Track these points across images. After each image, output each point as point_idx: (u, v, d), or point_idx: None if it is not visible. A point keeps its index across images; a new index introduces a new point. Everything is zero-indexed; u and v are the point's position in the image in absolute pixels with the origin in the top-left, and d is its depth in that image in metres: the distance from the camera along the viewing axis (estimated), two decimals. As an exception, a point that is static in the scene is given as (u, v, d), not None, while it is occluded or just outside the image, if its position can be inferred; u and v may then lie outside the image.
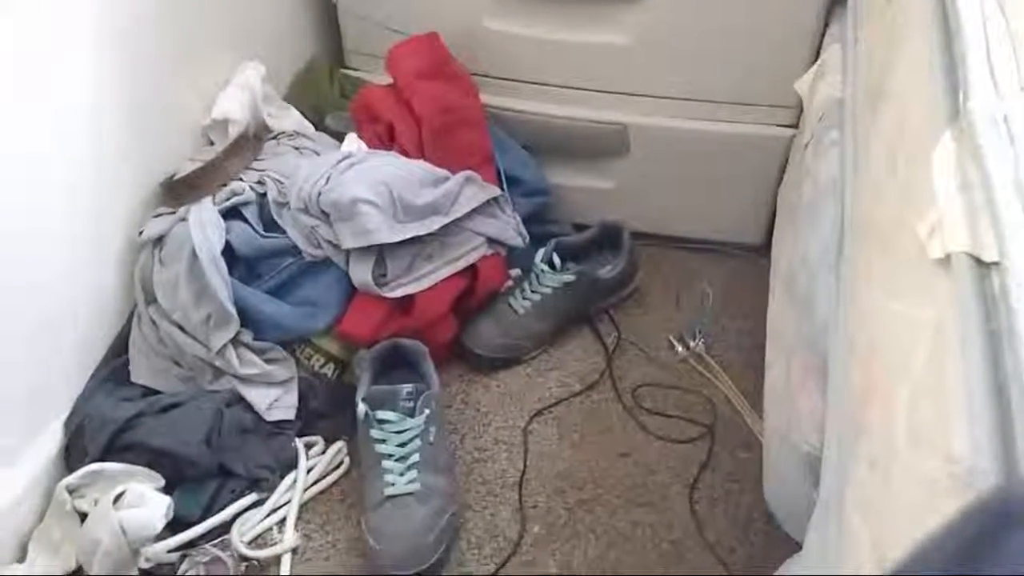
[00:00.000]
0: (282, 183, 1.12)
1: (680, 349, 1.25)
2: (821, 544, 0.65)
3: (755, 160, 1.28)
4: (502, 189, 1.24)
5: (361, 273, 1.10)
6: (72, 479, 0.96)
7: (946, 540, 0.29)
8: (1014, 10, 0.62)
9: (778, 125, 1.25)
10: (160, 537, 0.96)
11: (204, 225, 1.06)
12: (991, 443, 0.43)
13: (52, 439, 1.01)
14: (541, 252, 1.25)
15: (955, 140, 0.56)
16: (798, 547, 0.81)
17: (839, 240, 0.82)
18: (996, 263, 0.49)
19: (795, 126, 1.22)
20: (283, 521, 1.03)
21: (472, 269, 1.19)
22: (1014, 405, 0.44)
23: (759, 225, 1.33)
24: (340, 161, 1.15)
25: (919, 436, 0.50)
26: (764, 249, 1.26)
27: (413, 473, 1.03)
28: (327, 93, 1.34)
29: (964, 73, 0.59)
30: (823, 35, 1.15)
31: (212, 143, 1.18)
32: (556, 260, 1.24)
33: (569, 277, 1.24)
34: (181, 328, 1.06)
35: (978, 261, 0.50)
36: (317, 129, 1.27)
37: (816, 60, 1.14)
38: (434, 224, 1.14)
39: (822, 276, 0.84)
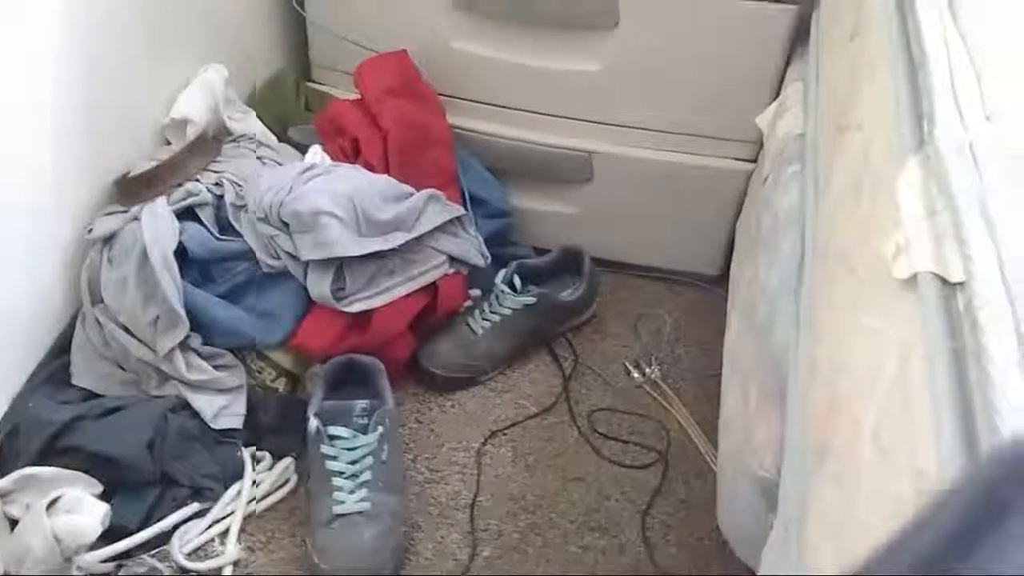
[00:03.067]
0: (240, 185, 1.10)
1: (636, 375, 1.25)
2: (780, 565, 0.65)
3: (715, 192, 1.30)
4: (466, 209, 1.24)
5: (319, 286, 1.08)
6: (3, 483, 0.91)
7: (912, 535, 0.29)
8: (977, 42, 0.64)
9: (738, 159, 1.27)
10: (96, 546, 0.91)
11: (157, 224, 1.03)
12: (957, 458, 0.44)
13: (-17, 442, 0.96)
14: (502, 273, 1.25)
15: (921, 166, 0.57)
16: (750, 572, 0.81)
17: (798, 268, 0.83)
18: (962, 283, 0.50)
19: (755, 160, 1.24)
20: (225, 533, 0.99)
21: (432, 287, 1.18)
22: (979, 421, 0.44)
23: (717, 256, 1.35)
24: (303, 172, 1.13)
25: (886, 453, 0.50)
26: (721, 280, 1.27)
27: (364, 491, 1.00)
28: (292, 105, 1.33)
29: (930, 103, 0.61)
30: (785, 73, 1.18)
31: (169, 143, 1.15)
32: (517, 282, 1.24)
33: (529, 299, 1.23)
34: (127, 330, 1.02)
35: (944, 281, 0.51)
36: (280, 141, 1.26)
37: (777, 96, 1.17)
38: (396, 240, 1.13)
39: (781, 303, 0.85)
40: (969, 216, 0.51)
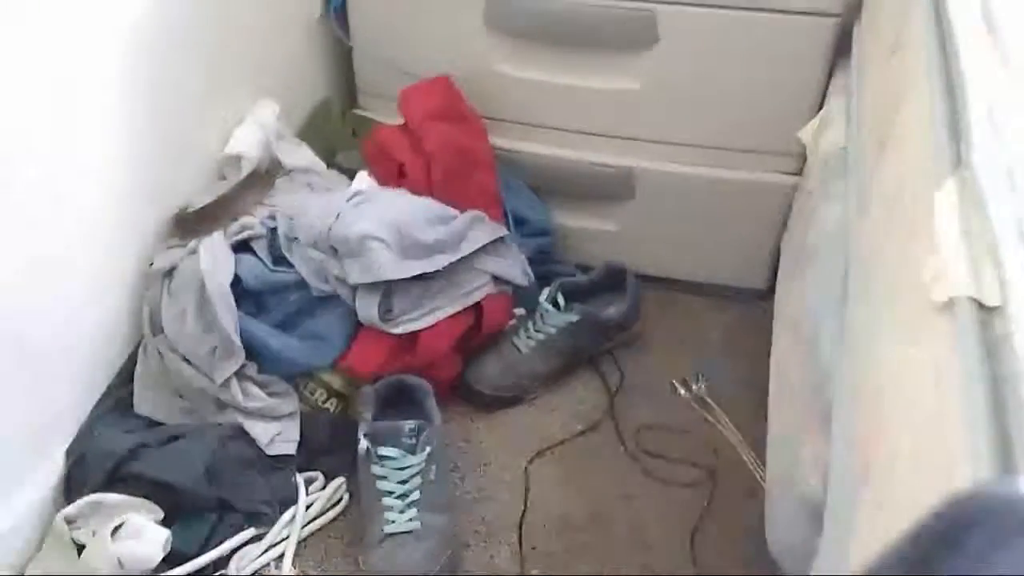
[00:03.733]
0: (292, 218, 1.13)
1: (683, 392, 1.25)
2: (826, 588, 0.64)
3: (759, 206, 1.29)
4: (509, 229, 1.25)
5: (367, 309, 1.10)
6: (71, 509, 0.95)
7: (904, 546, 0.30)
8: (1016, 59, 0.63)
9: (782, 172, 1.26)
10: (158, 570, 0.95)
11: (214, 257, 1.07)
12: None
13: (53, 468, 1.01)
14: (546, 292, 1.26)
15: (958, 187, 0.57)
16: (800, 592, 0.80)
17: (843, 285, 0.82)
18: (999, 307, 0.49)
19: (799, 174, 1.23)
20: (281, 556, 1.02)
21: (477, 307, 1.19)
22: (1017, 449, 0.44)
23: (763, 271, 1.34)
24: (351, 198, 1.16)
25: (923, 480, 0.50)
26: (767, 294, 1.26)
27: (413, 511, 1.02)
28: (339, 132, 1.37)
29: (967, 122, 0.60)
30: (827, 85, 1.17)
31: (225, 178, 1.20)
32: (561, 300, 1.25)
33: (573, 317, 1.24)
34: (187, 360, 1.06)
35: (981, 306, 0.50)
36: (329, 167, 1.29)
37: (820, 110, 1.16)
38: (441, 262, 1.15)
39: (826, 321, 0.84)
40: (1005, 239, 0.51)
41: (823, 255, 0.89)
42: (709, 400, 1.23)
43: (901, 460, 0.53)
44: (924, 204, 0.60)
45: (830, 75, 1.18)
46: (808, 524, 0.81)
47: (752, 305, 1.35)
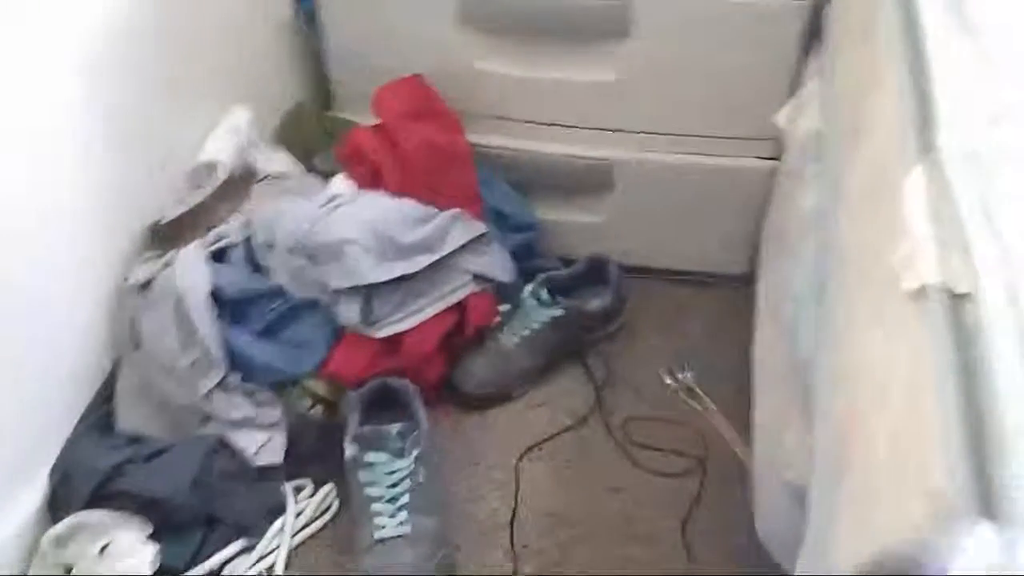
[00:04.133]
0: (269, 226, 1.12)
1: (670, 382, 1.25)
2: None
3: (739, 192, 1.29)
4: (489, 225, 1.25)
5: (348, 313, 1.10)
6: (57, 529, 0.95)
7: None
8: (983, 43, 0.63)
9: (760, 158, 1.26)
10: (147, 586, 0.94)
11: (191, 269, 1.06)
12: (969, 479, 0.43)
13: (37, 489, 1.00)
14: (529, 287, 1.26)
15: (926, 174, 0.57)
16: (789, 578, 0.80)
17: (820, 272, 0.82)
18: (968, 294, 0.49)
19: (777, 158, 1.23)
20: (272, 567, 1.02)
21: (460, 306, 1.19)
22: (989, 437, 0.44)
23: (745, 256, 1.33)
24: (327, 202, 1.15)
25: (899, 470, 0.50)
26: (750, 279, 1.26)
27: (403, 515, 1.02)
28: (314, 135, 1.35)
29: (934, 107, 0.60)
30: (802, 69, 1.16)
31: (199, 187, 1.19)
32: (544, 295, 1.25)
33: (558, 312, 1.24)
34: (167, 373, 1.05)
35: (951, 293, 0.50)
36: (305, 171, 1.28)
37: (795, 93, 1.15)
38: (421, 262, 1.14)
39: (804, 309, 0.84)
40: (974, 225, 0.51)
41: (800, 241, 0.89)
42: (696, 389, 1.23)
43: (878, 452, 0.53)
44: (895, 191, 0.60)
45: (805, 58, 1.17)
46: (794, 510, 0.81)
47: (736, 291, 1.34)
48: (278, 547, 1.03)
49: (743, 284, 1.33)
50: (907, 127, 0.60)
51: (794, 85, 1.17)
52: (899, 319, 0.55)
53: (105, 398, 1.08)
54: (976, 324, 0.47)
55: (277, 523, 1.04)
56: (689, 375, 1.24)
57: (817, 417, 0.73)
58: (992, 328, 0.45)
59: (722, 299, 1.36)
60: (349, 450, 1.04)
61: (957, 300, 0.50)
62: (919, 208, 0.55)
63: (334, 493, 1.10)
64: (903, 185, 0.57)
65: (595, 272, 1.31)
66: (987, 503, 0.42)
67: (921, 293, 0.52)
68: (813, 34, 1.15)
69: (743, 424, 1.16)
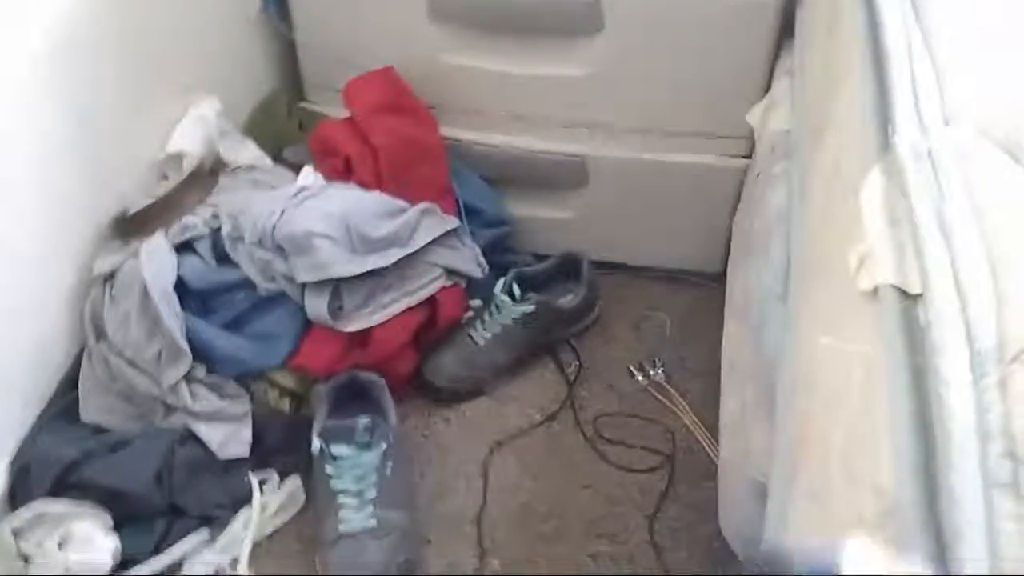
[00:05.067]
0: (236, 217, 1.11)
1: (640, 378, 1.25)
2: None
3: (713, 190, 1.29)
4: (461, 220, 1.24)
5: (316, 307, 1.09)
6: (16, 520, 0.93)
7: None
8: (940, 40, 0.63)
9: (734, 156, 1.26)
10: (108, 579, 0.93)
11: (156, 260, 1.05)
12: (914, 478, 0.43)
13: (-2, 479, 0.99)
14: (501, 283, 1.25)
15: (884, 174, 0.57)
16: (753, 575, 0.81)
17: (786, 272, 0.82)
18: (920, 295, 0.49)
19: (749, 156, 1.23)
20: (236, 559, 1.01)
21: (431, 301, 1.18)
22: (937, 439, 0.44)
23: (717, 254, 1.33)
24: (296, 194, 1.14)
25: (851, 471, 0.50)
26: (722, 277, 1.26)
27: (369, 509, 1.02)
28: (285, 126, 1.34)
29: (893, 107, 0.60)
30: (774, 67, 1.17)
31: (166, 177, 1.17)
32: (516, 290, 1.24)
33: (529, 307, 1.24)
34: (132, 364, 1.04)
35: (904, 294, 0.50)
36: (275, 162, 1.27)
37: (767, 91, 1.16)
38: (392, 256, 1.13)
39: (771, 307, 0.84)
40: (927, 226, 0.51)
41: (768, 240, 0.89)
42: (667, 385, 1.24)
43: (832, 452, 0.53)
44: (853, 191, 0.60)
45: (777, 55, 1.17)
46: (758, 507, 0.81)
47: (708, 288, 1.35)
48: (242, 539, 1.02)
49: (715, 282, 1.33)
50: (866, 126, 0.61)
51: (767, 83, 1.17)
52: (855, 320, 0.55)
53: (69, 388, 1.07)
54: (927, 325, 0.48)
55: (242, 515, 1.03)
56: (660, 372, 1.25)
57: (776, 419, 0.74)
58: (942, 329, 0.46)
59: (694, 297, 1.36)
60: (316, 443, 1.04)
61: (910, 301, 0.50)
62: (876, 208, 0.55)
63: (300, 486, 1.09)
64: (861, 185, 0.57)
65: (567, 268, 1.31)
66: (933, 503, 0.42)
67: (875, 294, 0.52)
68: (785, 32, 1.15)
69: (712, 421, 1.17)
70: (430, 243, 1.17)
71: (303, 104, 1.38)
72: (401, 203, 1.18)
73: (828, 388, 0.56)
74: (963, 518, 0.40)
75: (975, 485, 0.39)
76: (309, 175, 1.20)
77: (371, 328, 1.13)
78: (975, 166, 0.52)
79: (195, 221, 1.10)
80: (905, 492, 0.43)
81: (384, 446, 1.05)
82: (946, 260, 0.48)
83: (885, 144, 0.59)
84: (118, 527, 0.97)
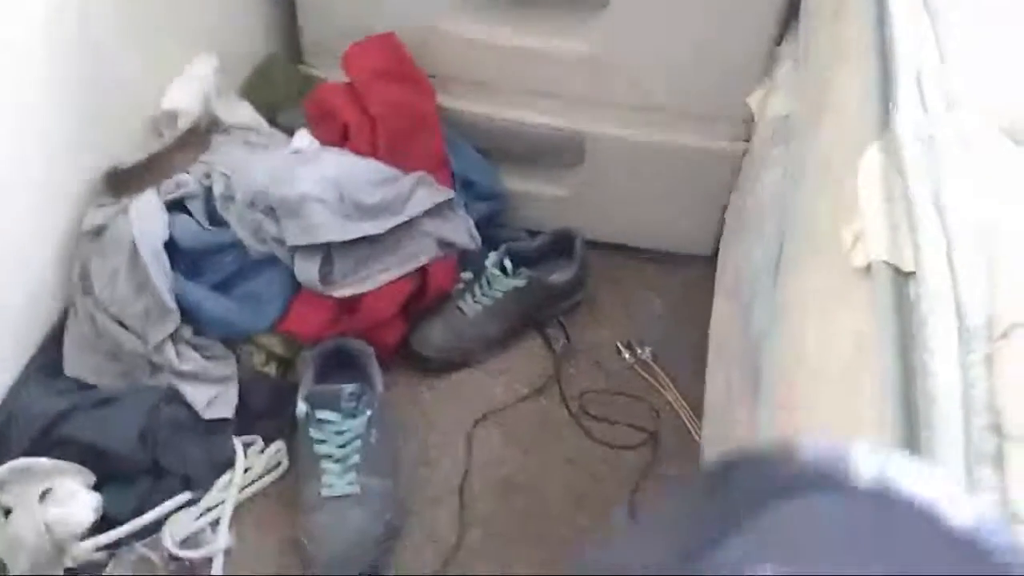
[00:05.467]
0: (229, 177, 1.10)
1: (628, 357, 1.25)
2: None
3: (708, 173, 1.28)
4: (456, 191, 1.24)
5: (307, 271, 1.08)
6: (-2, 473, 0.93)
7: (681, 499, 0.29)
8: (947, 25, 0.63)
9: (732, 140, 1.26)
10: (88, 535, 0.93)
11: (146, 217, 1.04)
12: (899, 449, 0.44)
13: (-22, 432, 0.98)
14: (493, 256, 1.25)
15: (882, 152, 0.57)
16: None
17: (778, 252, 0.82)
18: (914, 273, 0.49)
19: (748, 140, 1.23)
20: (217, 521, 1.01)
21: (422, 271, 1.18)
22: (921, 416, 0.44)
23: (710, 237, 1.34)
24: (290, 157, 1.13)
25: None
26: (714, 260, 1.26)
27: (352, 475, 1.02)
28: (283, 89, 1.33)
29: (895, 90, 0.60)
30: (777, 51, 1.16)
31: (161, 135, 1.16)
32: (508, 265, 1.24)
33: (520, 282, 1.23)
34: (119, 322, 1.03)
35: (897, 270, 0.51)
36: (271, 125, 1.26)
37: (769, 76, 1.15)
38: (385, 224, 1.13)
39: (761, 287, 0.85)
40: (922, 205, 0.51)
41: (760, 221, 0.89)
42: (653, 365, 1.24)
43: (817, 425, 0.54)
44: (852, 169, 0.60)
45: (780, 40, 1.17)
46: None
47: (700, 271, 1.35)
48: (224, 501, 1.02)
49: (707, 265, 1.33)
50: (867, 106, 0.60)
51: (768, 68, 1.17)
52: (847, 296, 0.55)
53: (54, 343, 1.06)
54: (916, 299, 0.48)
55: (224, 477, 1.03)
56: (647, 351, 1.25)
57: (762, 396, 0.74)
58: (931, 303, 0.46)
59: (685, 279, 1.36)
60: (301, 407, 1.04)
61: (902, 277, 0.50)
62: (873, 186, 0.55)
63: (284, 451, 1.09)
64: (859, 162, 0.57)
65: (560, 245, 1.30)
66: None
67: (868, 270, 0.52)
68: (789, 17, 1.15)
69: (698, 402, 1.17)
70: (423, 213, 1.17)
71: (301, 67, 1.36)
72: (396, 171, 1.17)
73: (815, 363, 0.57)
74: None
75: (958, 456, 0.40)
76: (304, 138, 1.19)
77: (361, 295, 1.12)
78: (977, 149, 0.52)
79: (188, 180, 1.09)
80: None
81: (369, 413, 1.05)
82: (940, 238, 0.48)
83: (885, 123, 0.59)
84: (100, 486, 0.97)
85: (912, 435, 0.43)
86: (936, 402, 0.41)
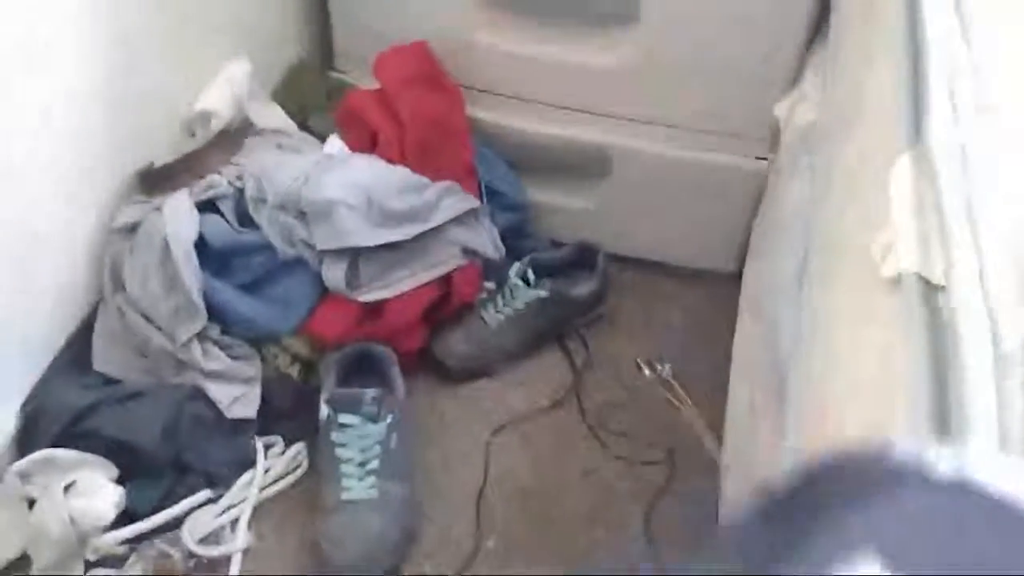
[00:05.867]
0: (260, 179, 1.12)
1: (648, 372, 1.25)
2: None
3: (734, 189, 1.29)
4: (482, 201, 1.24)
5: (334, 275, 1.09)
6: (23, 464, 0.94)
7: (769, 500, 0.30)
8: (980, 32, 0.63)
9: (758, 157, 1.26)
10: (110, 529, 0.94)
11: (178, 216, 1.06)
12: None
13: (6, 422, 0.99)
14: (516, 267, 1.25)
15: (913, 162, 0.57)
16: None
17: (804, 264, 0.82)
18: (944, 286, 0.49)
19: (775, 153, 1.23)
20: (236, 520, 1.02)
21: (446, 279, 1.19)
22: (953, 431, 0.44)
23: (734, 254, 1.33)
24: (321, 161, 1.15)
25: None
26: (737, 278, 1.26)
27: (372, 479, 1.02)
28: (313, 94, 1.35)
29: (926, 97, 0.60)
30: (803, 65, 1.16)
31: (194, 135, 1.18)
32: (531, 276, 1.25)
33: (542, 293, 1.24)
34: (148, 318, 1.05)
35: (927, 282, 0.50)
36: (301, 129, 1.28)
37: (797, 84, 1.15)
38: (411, 231, 1.14)
39: (787, 300, 0.84)
40: (954, 217, 0.51)
41: (786, 233, 0.89)
42: (673, 381, 1.24)
43: (847, 442, 0.53)
44: (881, 179, 0.60)
45: (807, 53, 1.17)
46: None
47: (721, 288, 1.34)
48: (244, 500, 1.03)
49: (730, 281, 1.33)
50: (899, 115, 0.60)
51: (797, 76, 1.17)
52: (876, 308, 0.55)
53: (84, 337, 1.08)
54: (950, 316, 0.48)
55: (246, 476, 1.04)
56: (667, 367, 1.25)
57: (789, 411, 0.74)
58: (965, 320, 0.46)
59: (708, 295, 1.36)
60: (324, 409, 1.04)
61: (932, 290, 0.50)
62: (903, 196, 0.55)
63: (304, 453, 1.10)
64: (889, 172, 0.57)
65: (583, 258, 1.31)
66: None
67: (898, 281, 0.52)
68: (817, 29, 1.15)
69: (715, 419, 1.17)
70: (449, 221, 1.18)
71: (333, 73, 1.38)
72: (424, 179, 1.18)
73: (845, 376, 0.56)
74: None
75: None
76: (336, 144, 1.21)
77: (385, 300, 1.13)
78: (1009, 158, 0.52)
79: (219, 180, 1.11)
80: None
81: (391, 419, 1.05)
82: (973, 255, 0.48)
83: (916, 132, 0.59)
84: (124, 480, 0.98)
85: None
86: (971, 424, 0.41)
